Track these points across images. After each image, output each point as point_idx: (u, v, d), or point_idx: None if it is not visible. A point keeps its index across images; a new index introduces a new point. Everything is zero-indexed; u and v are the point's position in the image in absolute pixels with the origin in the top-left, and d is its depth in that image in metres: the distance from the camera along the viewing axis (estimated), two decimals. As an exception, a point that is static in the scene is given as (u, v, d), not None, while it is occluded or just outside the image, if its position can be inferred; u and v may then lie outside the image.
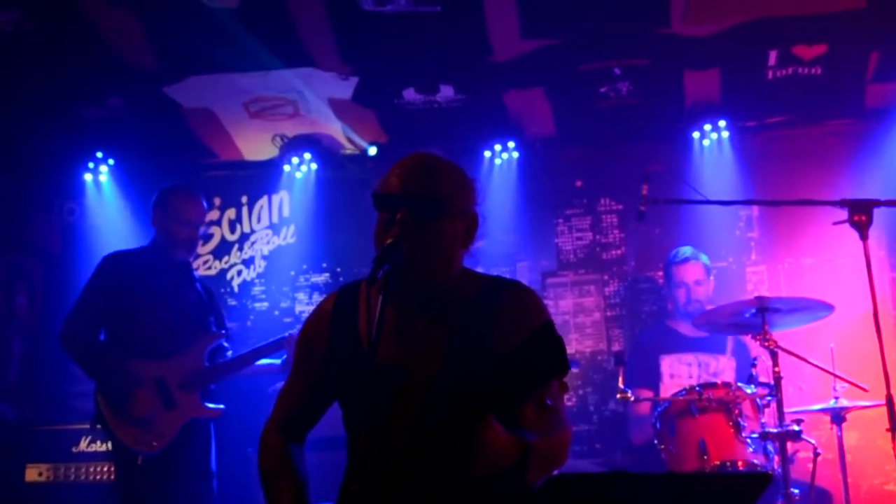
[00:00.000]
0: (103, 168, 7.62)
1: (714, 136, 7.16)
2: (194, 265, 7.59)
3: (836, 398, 5.46)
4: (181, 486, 5.34)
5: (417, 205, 2.78)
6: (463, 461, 2.47)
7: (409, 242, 2.72)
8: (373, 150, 7.35)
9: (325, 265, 7.70)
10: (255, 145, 7.71)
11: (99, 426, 5.32)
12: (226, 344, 5.75)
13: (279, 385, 6.51)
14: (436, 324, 2.86)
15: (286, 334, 5.81)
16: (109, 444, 5.32)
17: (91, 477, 6.24)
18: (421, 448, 2.60)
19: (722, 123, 7.13)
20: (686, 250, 6.40)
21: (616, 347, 6.89)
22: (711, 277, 6.39)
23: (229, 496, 6.12)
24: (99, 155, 7.58)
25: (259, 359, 5.77)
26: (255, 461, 6.08)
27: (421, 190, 2.80)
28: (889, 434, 4.35)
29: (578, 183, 7.53)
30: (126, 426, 5.27)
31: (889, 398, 4.39)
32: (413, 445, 2.64)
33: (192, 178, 7.61)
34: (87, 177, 7.65)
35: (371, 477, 2.68)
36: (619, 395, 5.28)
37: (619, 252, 7.43)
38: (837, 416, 5.48)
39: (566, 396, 2.95)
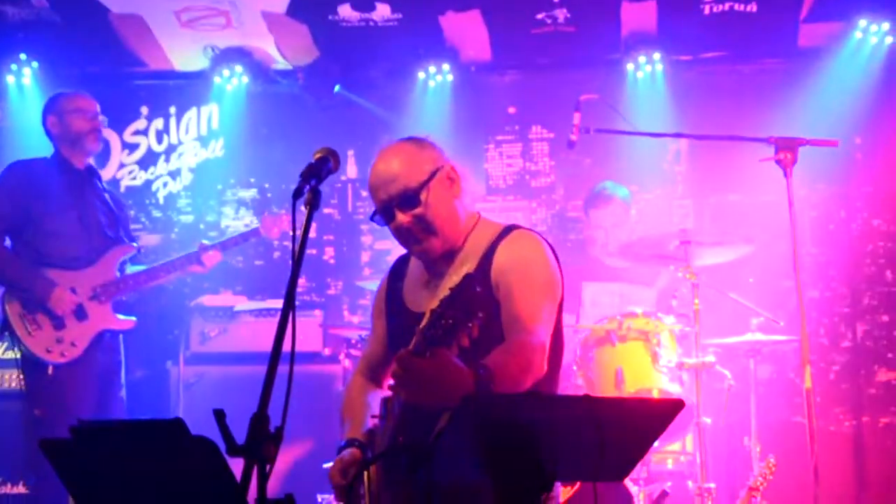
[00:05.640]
0: (27, 71, 7.40)
1: (648, 68, 7.16)
2: (118, 175, 7.54)
3: (753, 332, 5.57)
4: (90, 396, 5.34)
5: (401, 204, 3.19)
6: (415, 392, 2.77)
7: (418, 229, 3.20)
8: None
9: (252, 180, 7.63)
10: (186, 55, 7.54)
11: (7, 333, 5.28)
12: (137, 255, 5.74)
13: (203, 299, 6.55)
14: (455, 272, 3.19)
15: (197, 250, 5.79)
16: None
17: (3, 385, 6.16)
18: None
19: (657, 56, 7.13)
20: (605, 189, 6.34)
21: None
22: (633, 211, 6.40)
23: (143, 407, 6.12)
24: (23, 57, 7.35)
25: (171, 273, 5.75)
26: (173, 374, 6.15)
27: (395, 191, 3.19)
28: (800, 368, 4.47)
29: (511, 109, 7.52)
30: (35, 334, 5.23)
31: (803, 333, 4.50)
32: None
33: (119, 86, 7.49)
34: (10, 79, 7.42)
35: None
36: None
37: (548, 180, 7.46)
38: (752, 350, 5.60)
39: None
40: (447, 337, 2.66)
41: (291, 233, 2.71)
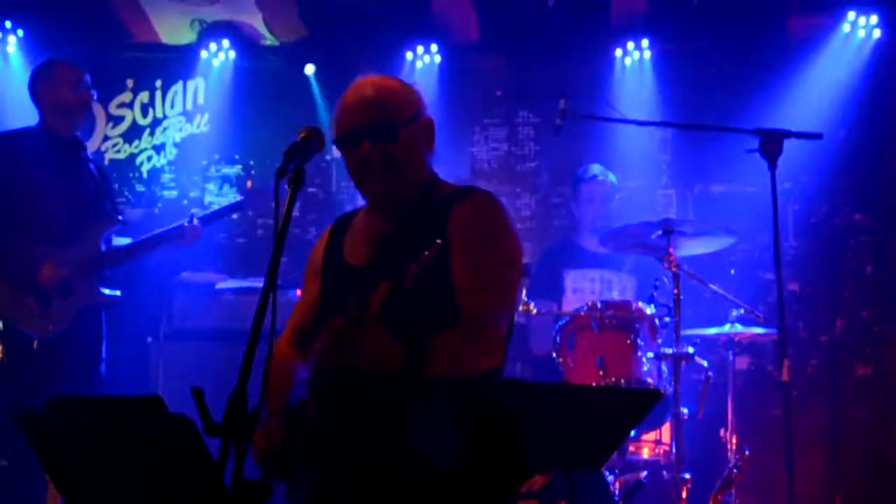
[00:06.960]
0: (12, 39, 7.34)
1: (636, 55, 7.16)
2: (103, 147, 7.49)
3: (732, 323, 5.58)
4: (70, 371, 5.28)
5: (375, 133, 2.94)
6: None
7: (382, 165, 2.93)
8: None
9: (237, 157, 7.59)
10: (173, 28, 7.50)
11: None
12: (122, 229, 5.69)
13: (184, 276, 6.52)
14: (403, 228, 3.01)
15: (184, 222, 5.72)
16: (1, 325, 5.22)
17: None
18: None
19: (645, 43, 7.13)
20: (595, 167, 6.37)
21: (524, 260, 6.88)
22: (617, 196, 6.40)
23: (123, 382, 6.08)
24: (7, 25, 7.30)
25: (157, 247, 5.69)
26: (153, 349, 6.08)
27: (374, 118, 2.95)
28: (778, 361, 4.48)
29: (498, 93, 7.50)
30: (19, 307, 5.18)
31: (782, 327, 4.51)
32: None
33: (105, 58, 7.42)
34: (-6, 47, 7.38)
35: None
36: (521, 307, 5.31)
37: (533, 165, 7.45)
38: (731, 342, 5.61)
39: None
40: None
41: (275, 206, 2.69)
